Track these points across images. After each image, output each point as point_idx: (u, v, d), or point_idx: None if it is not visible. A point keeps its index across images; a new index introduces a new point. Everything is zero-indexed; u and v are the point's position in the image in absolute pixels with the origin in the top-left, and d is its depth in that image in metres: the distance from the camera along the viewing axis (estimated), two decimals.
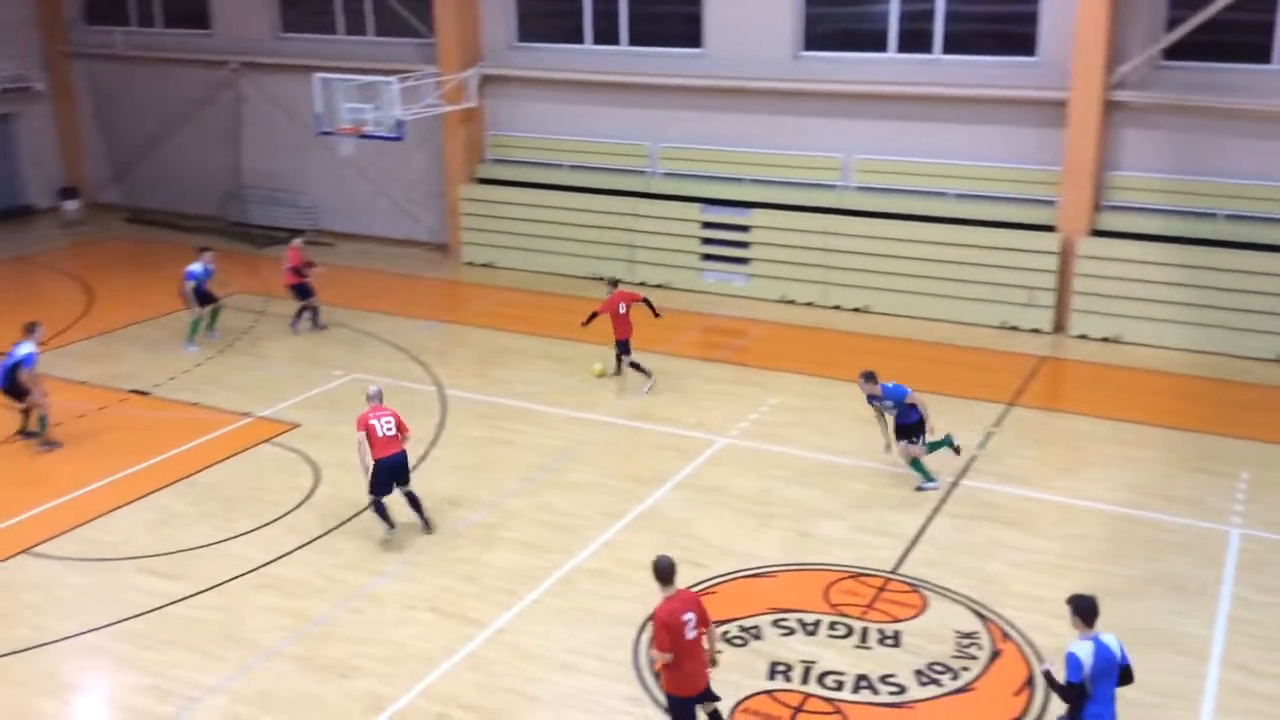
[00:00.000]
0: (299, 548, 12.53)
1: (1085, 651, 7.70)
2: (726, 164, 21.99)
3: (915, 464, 13.70)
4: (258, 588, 11.76)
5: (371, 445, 12.38)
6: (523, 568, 12.09)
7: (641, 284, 22.38)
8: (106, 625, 11.07)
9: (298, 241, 20.36)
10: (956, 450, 13.94)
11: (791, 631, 10.84)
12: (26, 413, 15.41)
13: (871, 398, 13.77)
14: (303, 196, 26.62)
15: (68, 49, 28.84)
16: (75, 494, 13.76)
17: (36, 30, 28.49)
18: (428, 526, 12.82)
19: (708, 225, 21.94)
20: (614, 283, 17.45)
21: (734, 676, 10.11)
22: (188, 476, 14.24)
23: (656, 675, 8.85)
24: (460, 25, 23.36)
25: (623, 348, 17.15)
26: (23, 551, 12.41)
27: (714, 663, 8.80)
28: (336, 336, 19.57)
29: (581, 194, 23.08)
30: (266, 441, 15.28)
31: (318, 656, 10.56)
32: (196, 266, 18.82)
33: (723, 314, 20.78)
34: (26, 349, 15.13)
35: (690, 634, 8.41)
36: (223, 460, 14.71)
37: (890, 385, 13.59)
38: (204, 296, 18.90)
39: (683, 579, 11.55)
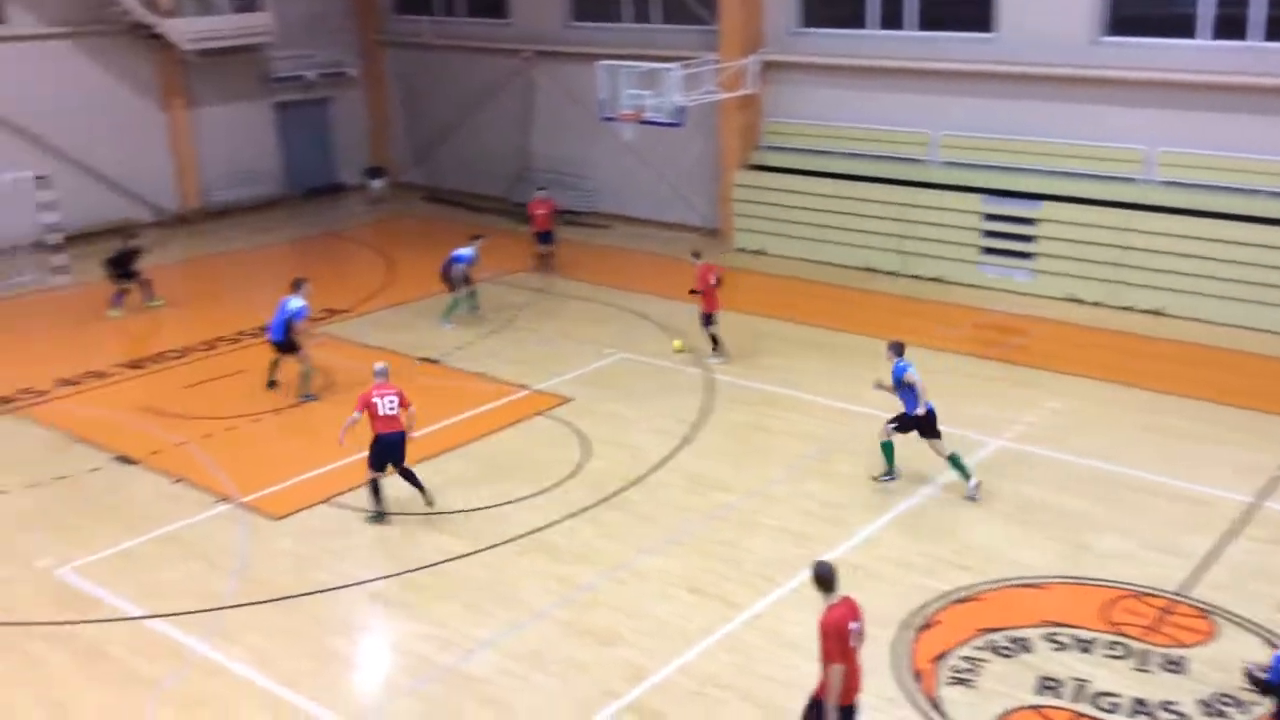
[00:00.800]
0: (567, 517, 13.01)
1: None
2: (1013, 153, 21.13)
3: (884, 447, 13.49)
4: (529, 551, 12.30)
5: (372, 421, 12.62)
6: (783, 555, 12.08)
7: (915, 276, 21.90)
8: (394, 574, 11.88)
9: (542, 193, 23.01)
10: (968, 479, 13.15)
11: (1064, 647, 10.34)
12: (275, 365, 16.75)
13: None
14: (585, 180, 27.51)
15: (380, 38, 30.95)
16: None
17: (353, 20, 30.71)
18: (427, 499, 13.06)
19: (990, 217, 21.17)
20: (698, 254, 18.07)
21: (999, 687, 9.78)
22: (469, 442, 15.04)
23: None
24: (743, 12, 23.48)
25: (708, 319, 17.61)
26: (324, 501, 13.47)
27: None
28: (609, 316, 20.14)
29: (857, 182, 22.75)
30: (541, 414, 15.93)
31: (582, 622, 10.95)
32: (467, 250, 19.84)
33: (1001, 310, 19.98)
34: (298, 303, 16.42)
35: (854, 643, 8.07)
36: (501, 429, 15.45)
37: (900, 364, 13.22)
38: (466, 279, 19.88)
39: (948, 582, 11.38)
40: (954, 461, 13.22)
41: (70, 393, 16.93)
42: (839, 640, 7.92)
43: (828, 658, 7.93)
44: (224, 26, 27.03)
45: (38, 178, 22.28)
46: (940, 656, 10.27)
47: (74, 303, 21.19)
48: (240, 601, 11.42)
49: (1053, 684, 9.84)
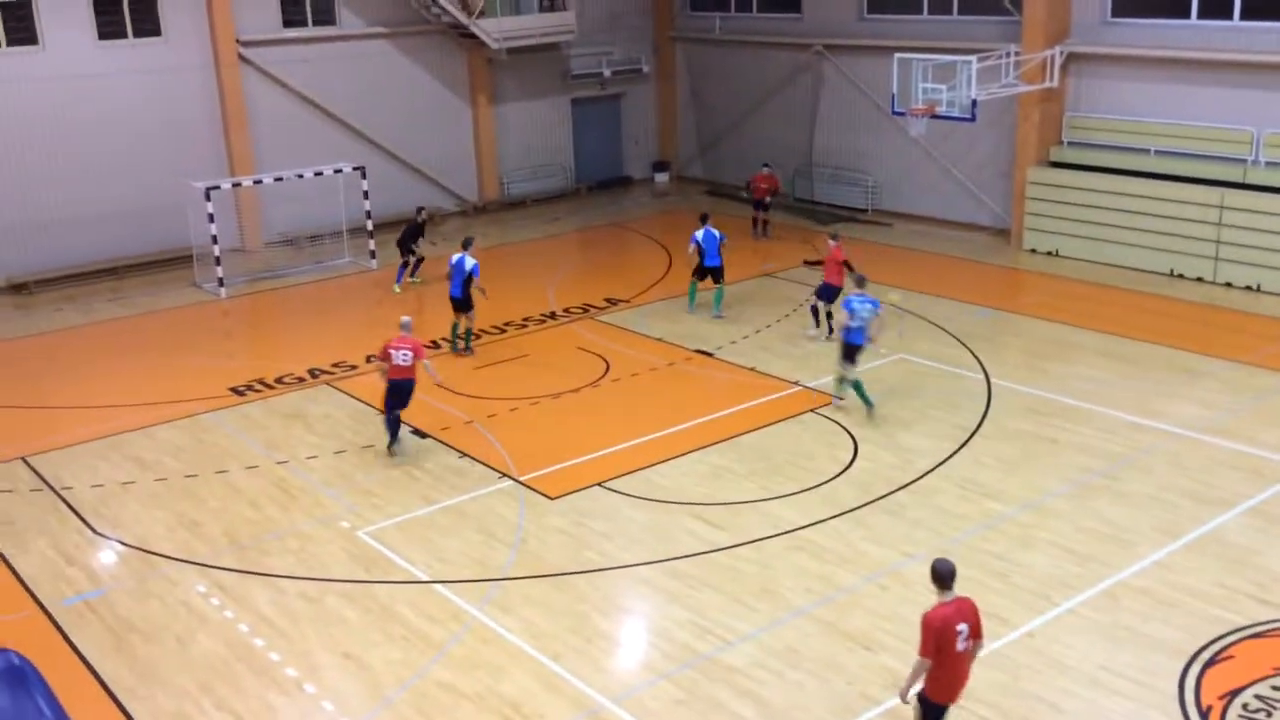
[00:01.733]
0: (833, 517, 12.89)
1: None
2: None
3: (854, 386, 15.50)
4: (791, 549, 12.28)
5: (390, 368, 14.46)
6: (1060, 573, 11.51)
7: (1227, 284, 20.29)
8: (658, 561, 12.15)
9: (766, 169, 25.39)
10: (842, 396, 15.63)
11: None
12: (466, 326, 18.45)
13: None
14: (867, 176, 27.09)
15: (673, 34, 31.57)
16: (642, 439, 15.18)
17: (649, 17, 31.48)
18: (394, 449, 14.79)
19: None
20: (835, 236, 18.99)
21: None
22: (737, 435, 15.16)
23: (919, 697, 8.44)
24: (1051, 1, 22.36)
25: (831, 293, 18.25)
26: (597, 484, 13.94)
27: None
28: (887, 316, 19.70)
29: (1167, 182, 21.26)
30: (811, 411, 15.85)
31: (842, 623, 10.83)
32: (700, 234, 20.04)
33: None
34: (472, 261, 17.91)
35: (961, 645, 8.12)
36: (770, 424, 15.48)
37: (855, 297, 15.33)
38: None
39: (1245, 616, 10.50)
40: (856, 388, 15.43)
41: (376, 368, 18.24)
42: (937, 638, 8.03)
43: (921, 650, 8.13)
44: (531, 25, 28.30)
45: (356, 168, 24.17)
46: (1231, 693, 9.51)
47: (384, 284, 22.85)
48: (516, 574, 12.01)
49: None
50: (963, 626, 8.12)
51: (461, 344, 18.62)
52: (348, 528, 13.10)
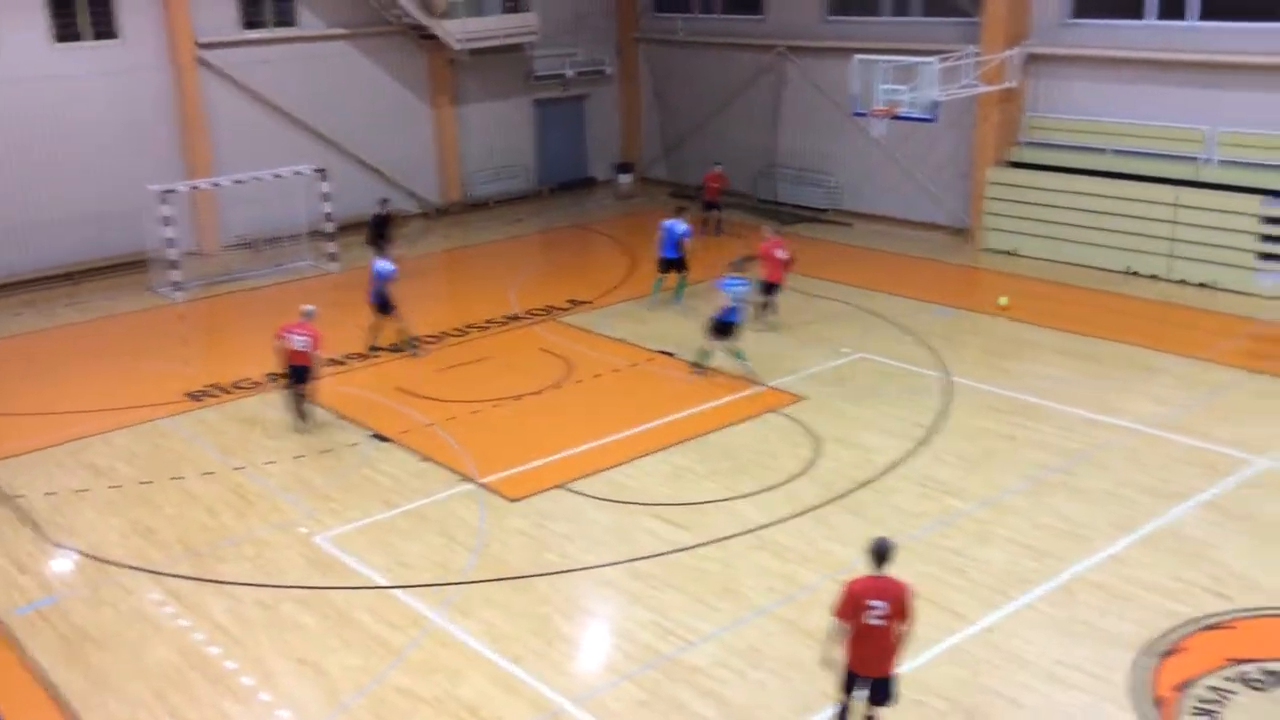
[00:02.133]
0: (795, 515, 12.92)
1: None
2: None
3: (737, 354, 16.87)
4: (754, 548, 12.29)
5: (288, 353, 15.31)
6: (1018, 569, 11.59)
7: (1181, 281, 20.54)
8: (621, 562, 12.12)
9: (718, 168, 25.71)
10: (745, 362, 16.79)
11: None
12: (375, 330, 18.64)
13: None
14: (829, 177, 27.19)
15: (637, 35, 31.53)
16: (604, 440, 15.14)
17: (612, 19, 31.43)
18: (302, 425, 15.67)
19: (1270, 220, 19.56)
20: (777, 230, 19.67)
21: None
22: (700, 435, 15.16)
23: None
24: (1011, 2, 22.56)
25: (768, 289, 18.93)
26: (558, 486, 13.90)
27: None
28: (846, 315, 19.84)
29: (1123, 181, 21.50)
30: (774, 410, 15.88)
31: (804, 622, 10.85)
32: (665, 223, 20.33)
33: (1277, 321, 18.42)
34: (388, 266, 18.33)
35: (873, 620, 8.39)
36: (733, 424, 15.50)
37: (728, 279, 16.65)
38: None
39: (1198, 608, 10.62)
40: (738, 355, 16.78)
41: (336, 371, 18.13)
42: (848, 605, 8.47)
43: (835, 611, 8.58)
44: (493, 27, 28.14)
45: (316, 170, 23.99)
46: (1184, 685, 9.61)
47: (344, 287, 22.69)
48: (476, 578, 11.94)
49: None
50: (877, 603, 8.39)
51: (408, 348, 18.65)
52: (305, 533, 12.98)
